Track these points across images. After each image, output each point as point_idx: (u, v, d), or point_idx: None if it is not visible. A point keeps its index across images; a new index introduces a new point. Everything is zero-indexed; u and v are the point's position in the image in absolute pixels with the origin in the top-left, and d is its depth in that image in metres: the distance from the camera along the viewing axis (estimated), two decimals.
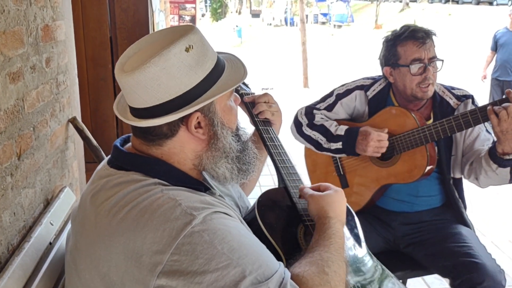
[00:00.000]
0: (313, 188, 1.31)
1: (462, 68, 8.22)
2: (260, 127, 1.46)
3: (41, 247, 1.51)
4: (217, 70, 1.12)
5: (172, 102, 1.05)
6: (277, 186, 1.42)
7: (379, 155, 2.08)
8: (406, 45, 2.05)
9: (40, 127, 1.78)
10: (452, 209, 2.19)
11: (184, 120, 1.08)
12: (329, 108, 2.27)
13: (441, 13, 26.73)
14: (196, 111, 1.08)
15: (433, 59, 2.04)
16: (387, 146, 2.07)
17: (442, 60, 2.06)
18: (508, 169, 1.94)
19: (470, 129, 2.03)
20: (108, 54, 3.64)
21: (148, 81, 1.03)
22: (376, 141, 2.05)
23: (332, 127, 2.19)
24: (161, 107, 1.06)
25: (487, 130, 2.11)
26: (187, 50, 1.05)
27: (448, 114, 2.08)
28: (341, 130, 2.16)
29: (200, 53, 1.08)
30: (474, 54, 12.80)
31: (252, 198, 1.33)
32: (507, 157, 1.90)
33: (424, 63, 2.03)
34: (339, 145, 2.15)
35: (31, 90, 1.69)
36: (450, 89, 2.17)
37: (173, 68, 1.04)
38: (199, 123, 1.10)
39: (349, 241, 1.43)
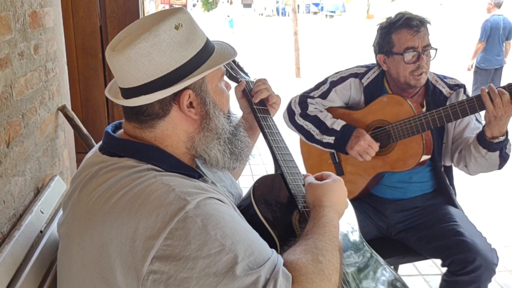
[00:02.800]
0: (315, 177, 1.31)
1: (454, 58, 8.27)
2: (258, 115, 1.47)
3: (31, 235, 1.50)
4: (207, 50, 1.12)
5: (163, 78, 1.05)
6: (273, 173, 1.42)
7: (361, 159, 2.09)
8: (401, 33, 2.05)
9: (29, 115, 1.76)
10: (443, 194, 2.20)
11: (176, 98, 1.08)
12: (324, 95, 2.26)
13: (432, 2, 26.75)
14: (187, 88, 1.08)
15: (427, 47, 2.04)
16: (379, 143, 2.08)
17: (436, 49, 2.06)
18: (497, 153, 1.95)
19: None
20: (98, 43, 3.60)
21: (138, 57, 1.03)
22: (367, 144, 2.06)
23: (328, 119, 2.18)
24: (153, 84, 1.06)
25: (477, 119, 2.11)
26: (176, 28, 1.06)
27: (441, 102, 2.09)
28: (338, 125, 2.15)
29: (190, 32, 1.08)
30: (465, 44, 12.82)
31: (245, 188, 1.33)
32: (496, 140, 1.91)
33: (417, 52, 2.02)
34: (331, 139, 2.14)
35: (19, 77, 1.66)
36: (442, 78, 2.18)
37: (163, 44, 1.04)
38: (191, 103, 1.10)
39: (344, 228, 1.44)
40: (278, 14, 35.68)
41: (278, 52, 16.28)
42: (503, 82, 7.06)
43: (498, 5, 7.12)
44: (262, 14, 36.19)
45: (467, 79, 7.35)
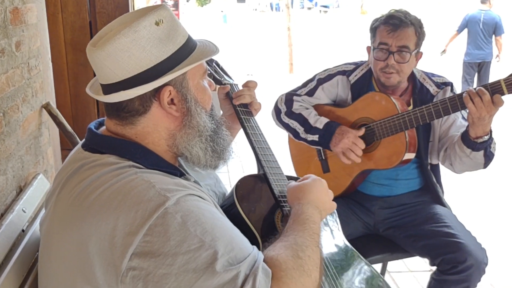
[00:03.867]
0: (298, 182, 1.32)
1: (449, 54, 8.41)
2: (242, 116, 1.48)
3: (13, 234, 1.49)
4: (189, 46, 1.11)
5: (143, 74, 1.05)
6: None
7: (347, 161, 2.07)
8: (380, 28, 2.07)
9: (11, 113, 1.74)
10: (430, 192, 2.20)
11: (156, 94, 1.08)
12: (310, 93, 2.26)
13: None
14: (168, 84, 1.08)
15: (402, 48, 2.01)
16: (364, 142, 2.06)
17: (410, 53, 2.01)
18: (482, 152, 1.94)
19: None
20: (88, 39, 3.59)
21: (118, 52, 1.03)
22: (351, 142, 2.04)
23: (311, 117, 2.18)
24: (132, 80, 1.05)
25: (463, 117, 2.11)
26: (157, 24, 1.06)
27: (427, 101, 2.08)
28: (320, 122, 2.14)
29: (171, 28, 1.08)
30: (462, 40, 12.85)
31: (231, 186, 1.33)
32: (480, 140, 1.90)
33: (388, 50, 2.02)
34: (315, 137, 2.14)
35: (0, 75, 1.64)
36: (430, 76, 2.17)
37: (143, 40, 1.04)
38: (172, 100, 1.09)
39: (326, 227, 1.44)
40: (272, 9, 35.68)
41: (271, 48, 16.24)
42: (491, 78, 7.30)
43: (482, 1, 7.39)
44: (256, 10, 36.18)
45: (458, 75, 7.48)
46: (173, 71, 1.07)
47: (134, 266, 0.94)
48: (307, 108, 2.23)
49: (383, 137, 2.05)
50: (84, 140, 1.16)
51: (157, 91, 1.07)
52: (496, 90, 1.81)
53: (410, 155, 2.06)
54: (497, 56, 7.54)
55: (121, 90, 1.06)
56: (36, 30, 2.02)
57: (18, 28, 1.83)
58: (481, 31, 7.28)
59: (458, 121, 2.09)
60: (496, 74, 7.25)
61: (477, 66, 7.48)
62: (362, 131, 2.07)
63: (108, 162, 1.06)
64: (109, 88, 1.08)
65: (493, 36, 7.33)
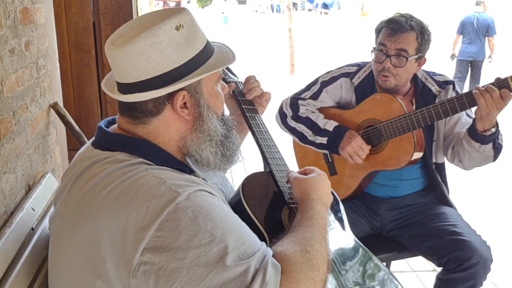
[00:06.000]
0: (299, 173, 1.34)
1: (446, 51, 8.54)
2: (247, 114, 1.48)
3: (22, 232, 1.50)
4: (206, 52, 1.13)
5: (159, 78, 1.06)
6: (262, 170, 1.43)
7: (351, 161, 2.10)
8: (381, 31, 2.09)
9: (21, 112, 1.75)
10: (435, 191, 2.21)
11: (170, 98, 1.09)
12: (315, 96, 2.26)
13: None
14: (182, 89, 1.09)
15: (399, 51, 2.02)
16: (367, 148, 2.10)
17: (408, 58, 2.02)
18: (491, 145, 1.95)
19: None
20: (92, 39, 3.59)
21: (136, 55, 1.04)
22: (358, 146, 2.07)
23: (320, 120, 2.19)
24: (148, 83, 1.06)
25: (467, 114, 2.12)
26: (177, 28, 1.07)
27: (430, 101, 2.09)
28: (330, 125, 2.15)
29: (190, 33, 1.09)
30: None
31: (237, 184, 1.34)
32: (489, 133, 1.92)
33: (386, 53, 2.03)
34: (324, 140, 2.15)
35: (10, 74, 1.66)
36: (432, 75, 2.18)
37: (162, 44, 1.05)
38: (185, 103, 1.11)
39: (334, 225, 1.45)
40: (272, 11, 35.74)
41: (272, 49, 16.25)
42: (483, 76, 7.55)
43: (476, 3, 7.92)
44: (256, 11, 36.22)
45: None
46: (188, 77, 1.08)
47: (146, 261, 0.95)
48: (313, 112, 2.24)
49: (390, 137, 2.06)
50: (94, 138, 1.18)
51: (172, 95, 1.09)
52: (503, 86, 1.83)
53: (418, 155, 2.08)
54: (489, 56, 7.92)
55: (136, 92, 1.07)
56: (44, 30, 2.03)
57: (28, 28, 1.84)
58: (475, 32, 7.70)
59: (463, 119, 2.11)
60: (489, 72, 7.41)
61: (468, 64, 7.89)
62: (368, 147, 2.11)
63: (118, 159, 1.07)
64: (124, 88, 1.10)
65: (486, 37, 7.75)
